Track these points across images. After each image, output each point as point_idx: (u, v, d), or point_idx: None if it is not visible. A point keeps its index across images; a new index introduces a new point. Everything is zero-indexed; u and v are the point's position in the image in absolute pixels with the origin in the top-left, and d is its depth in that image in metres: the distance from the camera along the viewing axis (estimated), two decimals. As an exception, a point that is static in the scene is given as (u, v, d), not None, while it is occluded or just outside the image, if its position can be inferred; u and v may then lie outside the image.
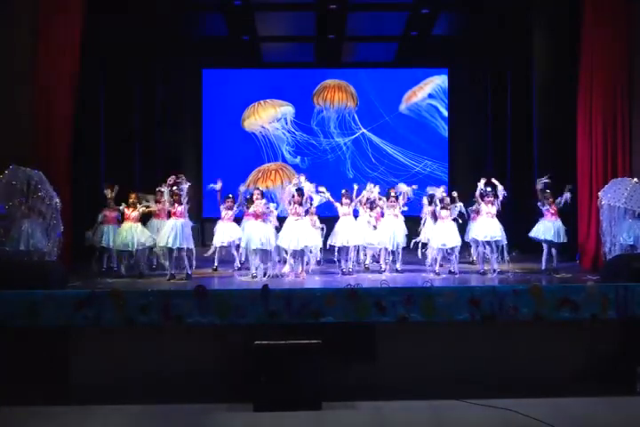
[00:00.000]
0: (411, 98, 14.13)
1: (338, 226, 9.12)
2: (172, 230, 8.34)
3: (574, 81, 9.59)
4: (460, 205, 8.93)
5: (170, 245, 8.32)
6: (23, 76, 8.90)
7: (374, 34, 12.82)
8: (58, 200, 7.93)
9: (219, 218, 9.55)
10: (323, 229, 9.23)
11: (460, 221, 9.07)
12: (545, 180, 8.79)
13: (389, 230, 9.02)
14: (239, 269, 9.40)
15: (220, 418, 6.09)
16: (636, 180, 8.28)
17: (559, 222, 8.85)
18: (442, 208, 8.89)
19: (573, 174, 9.61)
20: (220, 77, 14.14)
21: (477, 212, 9.12)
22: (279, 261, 8.81)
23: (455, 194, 9.09)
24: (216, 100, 14.10)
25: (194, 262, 8.63)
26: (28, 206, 7.74)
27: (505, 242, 8.70)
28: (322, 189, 8.96)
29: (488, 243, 8.73)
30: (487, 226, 8.77)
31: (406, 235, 9.19)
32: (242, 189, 9.34)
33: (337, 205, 9.16)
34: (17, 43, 8.96)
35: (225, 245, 9.39)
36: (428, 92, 14.10)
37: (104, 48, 10.82)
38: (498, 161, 13.01)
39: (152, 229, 9.21)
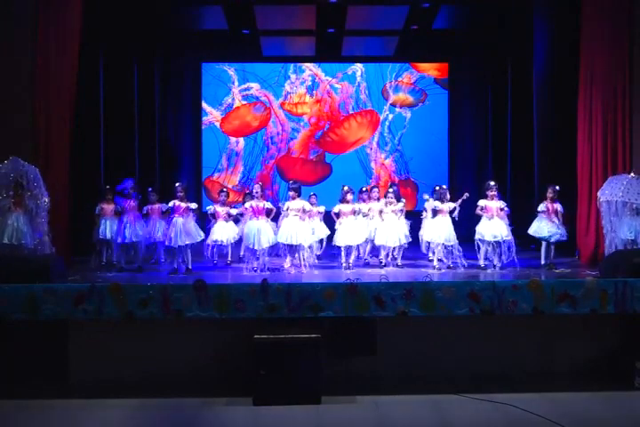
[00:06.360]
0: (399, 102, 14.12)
1: (339, 225, 9.02)
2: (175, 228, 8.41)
3: (575, 79, 9.54)
4: (454, 204, 8.90)
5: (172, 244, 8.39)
6: (23, 76, 8.87)
7: (375, 28, 12.78)
8: (47, 200, 7.82)
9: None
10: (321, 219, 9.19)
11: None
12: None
13: (390, 228, 9.01)
14: (231, 262, 9.40)
15: (219, 412, 6.10)
16: (632, 174, 8.27)
17: (555, 221, 8.85)
18: (442, 203, 8.89)
19: (573, 172, 9.59)
20: (219, 71, 14.12)
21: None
22: (278, 255, 8.82)
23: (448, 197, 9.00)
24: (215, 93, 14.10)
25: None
26: (18, 200, 7.64)
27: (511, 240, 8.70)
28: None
29: (496, 241, 8.72)
30: (494, 226, 8.73)
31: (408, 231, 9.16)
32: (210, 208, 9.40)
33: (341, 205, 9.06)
34: (17, 43, 8.92)
35: (220, 243, 9.33)
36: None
37: (103, 44, 10.77)
38: (497, 158, 13.00)
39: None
